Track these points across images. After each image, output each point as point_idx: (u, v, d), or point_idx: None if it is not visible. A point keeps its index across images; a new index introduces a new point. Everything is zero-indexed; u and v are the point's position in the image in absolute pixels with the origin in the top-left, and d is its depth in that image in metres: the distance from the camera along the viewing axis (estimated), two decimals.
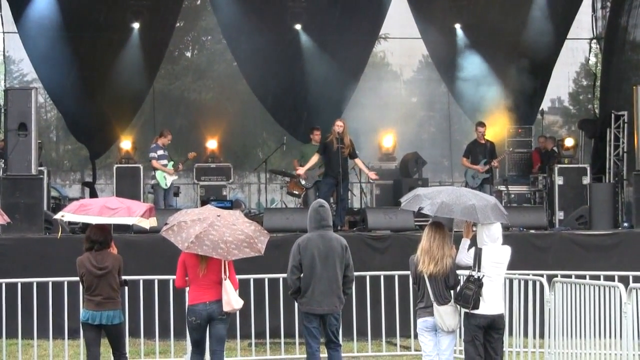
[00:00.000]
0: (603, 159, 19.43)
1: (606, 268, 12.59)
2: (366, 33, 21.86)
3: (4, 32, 22.27)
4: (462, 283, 8.82)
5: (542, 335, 11.27)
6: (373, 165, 18.97)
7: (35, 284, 11.76)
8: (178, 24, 23.82)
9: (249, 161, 27.61)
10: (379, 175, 18.98)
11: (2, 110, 15.74)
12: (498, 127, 20.18)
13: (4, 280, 11.84)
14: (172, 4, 21.50)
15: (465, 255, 8.77)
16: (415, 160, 19.10)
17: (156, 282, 11.85)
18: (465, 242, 8.84)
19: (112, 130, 20.96)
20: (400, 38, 24.21)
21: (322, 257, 9.36)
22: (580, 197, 17.48)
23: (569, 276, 11.37)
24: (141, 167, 18.18)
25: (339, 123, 15.85)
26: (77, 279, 9.62)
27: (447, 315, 8.66)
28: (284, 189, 20.04)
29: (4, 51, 23.01)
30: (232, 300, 9.02)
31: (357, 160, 16.44)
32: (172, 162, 17.56)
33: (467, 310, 8.64)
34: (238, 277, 9.37)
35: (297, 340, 11.98)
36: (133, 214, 9.55)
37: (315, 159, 16.23)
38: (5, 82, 23.04)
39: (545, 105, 23.55)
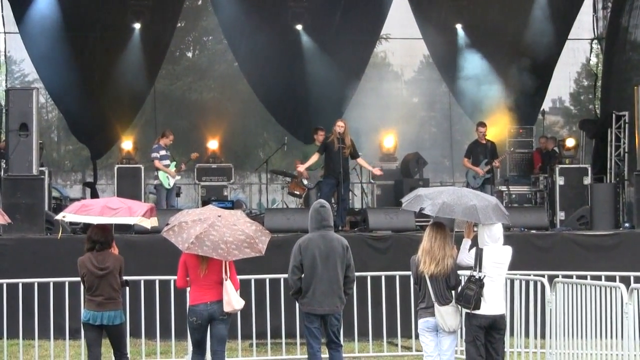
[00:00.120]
0: (604, 159, 19.42)
1: (607, 268, 12.57)
2: (367, 33, 21.88)
3: (5, 32, 22.31)
4: (463, 283, 8.82)
5: (543, 336, 11.27)
6: (374, 166, 18.95)
7: (36, 284, 11.75)
8: (179, 24, 23.82)
9: (250, 161, 27.63)
10: (380, 177, 19.02)
11: (3, 111, 15.74)
12: (499, 128, 20.17)
13: (5, 281, 11.85)
14: (173, 4, 21.52)
15: (466, 256, 8.76)
16: (416, 160, 19.09)
17: (157, 282, 11.85)
18: (467, 242, 8.83)
19: (113, 131, 20.96)
20: (401, 38, 24.22)
21: (323, 258, 9.36)
22: (581, 198, 17.48)
23: (570, 276, 11.37)
24: (142, 168, 18.19)
25: (339, 123, 15.85)
26: (78, 279, 9.62)
27: (448, 315, 8.66)
28: (285, 189, 20.03)
29: (5, 51, 23.05)
30: (233, 300, 9.02)
31: (360, 160, 16.45)
32: (174, 162, 17.57)
33: (468, 311, 8.63)
34: (239, 277, 9.36)
35: (298, 340, 11.98)
36: (134, 214, 9.55)
37: (315, 158, 16.23)
38: (6, 82, 23.05)
39: (546, 105, 23.57)
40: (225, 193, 19.68)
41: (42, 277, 11.91)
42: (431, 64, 23.96)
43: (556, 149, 20.07)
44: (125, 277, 9.61)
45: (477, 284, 8.57)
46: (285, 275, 9.92)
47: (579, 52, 23.99)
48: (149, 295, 11.82)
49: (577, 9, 21.90)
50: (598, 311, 10.16)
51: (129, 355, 9.88)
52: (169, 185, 17.35)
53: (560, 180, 17.89)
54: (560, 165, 18.20)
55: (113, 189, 18.80)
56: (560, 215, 17.60)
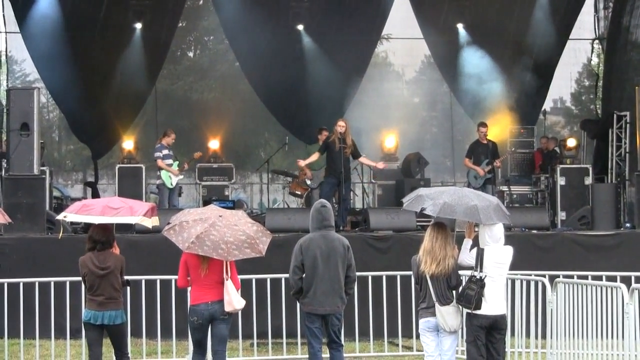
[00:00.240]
0: (605, 159, 19.43)
1: (608, 268, 12.57)
2: (368, 33, 21.87)
3: (6, 32, 22.30)
4: (464, 283, 8.82)
5: (544, 336, 11.26)
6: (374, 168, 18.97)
7: (37, 284, 11.76)
8: (180, 24, 23.82)
9: (251, 161, 27.65)
10: (381, 176, 19.06)
11: (5, 110, 15.74)
12: (500, 128, 20.15)
13: (5, 280, 11.86)
14: (174, 4, 21.51)
15: (467, 256, 8.76)
16: (418, 160, 19.08)
17: (158, 282, 11.85)
18: (468, 242, 8.84)
19: (114, 130, 20.97)
20: (403, 38, 24.19)
21: (324, 257, 9.36)
22: (582, 198, 17.48)
23: (571, 276, 11.37)
24: (143, 167, 18.21)
25: (341, 123, 15.85)
26: (79, 278, 9.62)
27: (449, 315, 8.66)
28: (286, 189, 20.05)
29: (6, 51, 23.03)
30: (233, 300, 9.02)
31: (362, 158, 16.46)
32: (177, 162, 17.57)
33: (469, 311, 8.64)
34: (240, 277, 9.37)
35: (299, 340, 11.97)
36: (135, 213, 9.56)
37: (315, 156, 16.26)
38: (7, 82, 23.04)
39: (547, 105, 23.56)
40: (227, 193, 19.68)
41: (43, 276, 11.92)
42: (432, 64, 23.96)
43: (557, 149, 20.06)
44: (126, 277, 9.61)
45: (478, 284, 8.57)
46: (286, 275, 9.93)
47: (580, 52, 23.97)
48: (150, 295, 11.83)
49: (578, 9, 21.89)
50: (599, 311, 10.16)
51: (130, 355, 9.86)
52: (171, 184, 17.35)
53: (561, 181, 17.88)
54: (562, 166, 18.19)
55: (114, 188, 18.82)
56: (561, 215, 17.60)
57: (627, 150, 18.64)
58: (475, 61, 20.70)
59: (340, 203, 15.88)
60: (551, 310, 10.82)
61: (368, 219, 15.17)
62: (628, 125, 18.57)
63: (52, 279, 11.76)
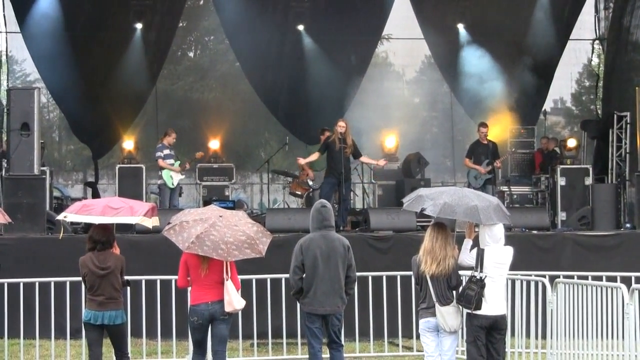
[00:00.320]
0: (605, 159, 19.44)
1: (608, 269, 12.58)
2: (369, 33, 21.87)
3: (6, 32, 22.29)
4: (464, 283, 8.82)
5: (544, 336, 11.26)
6: (375, 166, 18.96)
7: (37, 284, 11.77)
8: (181, 24, 23.81)
9: (252, 161, 27.64)
10: (381, 177, 19.07)
11: (5, 110, 15.74)
12: (500, 128, 20.15)
13: (5, 280, 11.85)
14: (174, 4, 21.52)
15: (467, 256, 8.76)
16: (418, 160, 19.09)
17: (158, 282, 11.86)
18: (468, 242, 8.84)
19: (115, 131, 20.98)
20: (403, 38, 24.18)
21: (325, 258, 9.36)
22: (582, 198, 17.48)
23: (571, 277, 11.37)
24: (144, 167, 18.20)
25: (341, 123, 15.85)
26: (80, 279, 9.62)
27: (449, 315, 8.66)
28: (286, 189, 20.05)
29: (6, 51, 23.02)
30: (234, 300, 9.02)
31: (363, 158, 16.47)
32: (178, 162, 17.55)
33: (469, 311, 8.64)
34: (240, 277, 9.37)
35: (299, 340, 11.97)
36: (136, 213, 9.56)
37: (315, 156, 16.31)
38: (8, 82, 23.04)
39: (547, 105, 23.55)
40: (227, 193, 19.68)
41: (43, 276, 11.92)
42: (433, 64, 23.96)
43: (557, 149, 20.06)
44: (126, 277, 9.61)
45: (478, 284, 8.57)
46: (287, 275, 9.93)
47: (581, 52, 23.97)
48: (150, 295, 11.83)
49: (578, 9, 21.89)
50: (599, 311, 10.16)
51: (130, 355, 9.86)
52: (172, 184, 17.35)
53: (561, 181, 17.88)
54: (562, 166, 18.18)
55: (114, 188, 18.82)
56: (562, 215, 17.60)
57: (628, 150, 18.64)
58: (475, 61, 20.70)
59: (341, 203, 15.88)
60: (551, 310, 10.82)
61: (368, 219, 15.17)
62: (628, 125, 18.58)
63: (52, 279, 11.76)
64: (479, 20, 21.30)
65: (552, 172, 18.50)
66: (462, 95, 21.76)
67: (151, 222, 9.72)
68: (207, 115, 24.09)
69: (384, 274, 12.54)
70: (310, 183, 17.99)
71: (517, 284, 11.45)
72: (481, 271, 8.62)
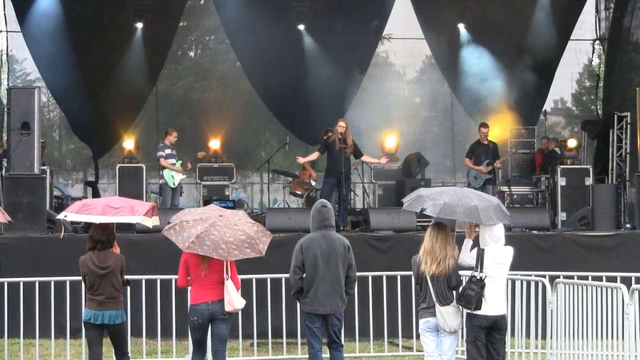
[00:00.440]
0: (606, 160, 19.44)
1: (608, 269, 12.56)
2: (369, 33, 21.89)
3: (7, 32, 22.30)
4: (464, 283, 8.82)
5: (544, 336, 11.26)
6: (376, 166, 18.98)
7: (37, 283, 11.76)
8: (181, 24, 23.82)
9: (252, 161, 27.66)
10: (381, 176, 19.06)
11: (5, 110, 15.74)
12: (501, 128, 20.15)
13: (5, 280, 11.85)
14: (175, 4, 21.53)
15: (467, 256, 8.76)
16: (418, 160, 19.08)
17: (158, 281, 11.85)
18: (468, 242, 8.84)
19: (115, 130, 20.99)
20: (404, 38, 24.20)
21: (325, 257, 9.35)
22: (582, 198, 17.48)
23: (571, 277, 11.37)
24: (144, 167, 18.20)
25: (341, 123, 15.85)
26: (80, 278, 9.62)
27: (449, 315, 8.66)
28: (286, 188, 20.05)
29: (7, 50, 23.03)
30: (234, 300, 9.02)
31: (364, 157, 16.46)
32: (180, 161, 17.54)
33: (469, 311, 8.64)
34: (240, 277, 9.37)
35: (299, 340, 11.96)
36: (136, 212, 9.56)
37: (315, 155, 16.34)
38: (8, 81, 23.05)
39: (548, 106, 23.58)
40: (227, 193, 19.67)
41: (43, 276, 11.91)
42: (433, 64, 23.97)
43: (557, 149, 20.06)
44: (126, 277, 9.61)
45: (478, 285, 8.57)
46: (287, 275, 9.92)
47: (581, 52, 23.99)
48: (150, 295, 11.82)
49: (579, 9, 21.89)
50: (599, 312, 10.16)
51: (130, 355, 9.86)
52: (173, 184, 17.33)
53: (561, 181, 17.88)
54: (562, 166, 18.18)
55: (115, 188, 18.82)
56: (562, 215, 17.60)
57: (628, 151, 18.64)
58: (475, 61, 20.71)
59: (341, 203, 15.88)
60: (551, 310, 10.82)
61: (368, 219, 15.17)
62: (629, 126, 18.58)
63: (52, 279, 11.75)
64: (479, 20, 21.31)
65: (552, 173, 18.50)
66: (462, 95, 21.77)
67: (151, 222, 9.73)
68: (208, 114, 24.11)
69: (384, 273, 12.54)
70: (313, 183, 17.99)
71: (517, 284, 11.45)
72: (481, 271, 8.62)
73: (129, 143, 19.99)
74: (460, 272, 8.95)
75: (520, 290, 11.45)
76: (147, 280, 11.85)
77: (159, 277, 11.83)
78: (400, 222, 14.86)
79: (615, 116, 19.07)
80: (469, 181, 17.74)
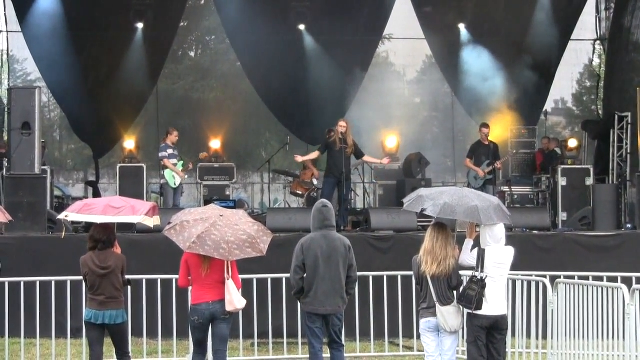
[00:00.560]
0: (606, 160, 19.44)
1: (609, 269, 12.57)
2: (370, 33, 21.89)
3: (7, 32, 22.31)
4: (465, 284, 8.82)
5: (544, 336, 11.26)
6: (377, 166, 18.99)
7: (38, 283, 11.76)
8: (182, 24, 23.83)
9: (252, 161, 27.66)
10: (382, 176, 19.06)
11: (6, 110, 15.74)
12: (502, 128, 20.17)
13: (6, 279, 11.84)
14: (176, 4, 21.53)
15: (468, 256, 8.77)
16: (419, 160, 19.09)
17: (159, 281, 11.85)
18: (469, 242, 8.84)
19: (116, 130, 20.98)
20: (404, 38, 24.20)
21: (326, 258, 9.35)
22: (583, 198, 17.48)
23: (572, 277, 11.37)
24: (144, 167, 18.20)
25: (342, 123, 15.86)
26: (80, 278, 9.62)
27: (449, 315, 8.67)
28: (287, 188, 20.06)
29: (7, 50, 23.03)
30: (234, 300, 9.02)
31: (366, 157, 16.46)
32: (182, 162, 17.53)
33: (470, 311, 8.64)
34: (241, 276, 9.37)
35: (299, 340, 11.96)
36: (137, 212, 9.56)
37: (314, 155, 16.38)
38: (9, 81, 23.05)
39: (548, 106, 23.59)
40: (228, 192, 19.68)
41: (44, 275, 11.92)
42: (434, 64, 23.98)
43: (558, 149, 20.06)
44: (127, 276, 9.61)
45: (479, 285, 8.57)
46: (287, 275, 9.92)
47: (582, 52, 23.99)
48: (151, 295, 11.83)
49: (579, 10, 21.89)
50: (600, 312, 10.16)
51: (130, 354, 9.86)
52: (175, 184, 17.31)
53: (562, 181, 17.88)
54: (563, 166, 18.18)
55: (115, 188, 18.81)
56: (563, 216, 17.60)
57: (629, 151, 18.65)
58: (476, 61, 20.71)
59: (341, 203, 15.87)
60: (552, 310, 10.82)
61: (369, 219, 15.17)
62: (629, 126, 18.58)
63: (53, 278, 11.75)
64: (480, 20, 21.32)
65: (553, 173, 18.51)
66: (463, 95, 21.78)
67: (152, 222, 9.73)
68: (208, 114, 24.12)
69: (385, 273, 12.54)
70: (315, 182, 17.99)
71: (518, 284, 11.45)
72: (482, 271, 8.62)
73: (129, 143, 19.99)
74: (461, 272, 8.96)
75: (521, 291, 11.45)
76: (147, 280, 11.85)
77: (159, 277, 11.83)
78: (400, 222, 14.86)
79: (616, 116, 19.07)
80: (469, 181, 17.73)
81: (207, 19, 27.88)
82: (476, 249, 8.73)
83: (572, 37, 22.33)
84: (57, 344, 11.78)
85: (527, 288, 11.48)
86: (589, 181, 17.90)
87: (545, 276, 11.41)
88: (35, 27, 20.00)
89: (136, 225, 13.50)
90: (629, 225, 16.11)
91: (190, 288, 9.45)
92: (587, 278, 11.38)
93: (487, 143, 17.70)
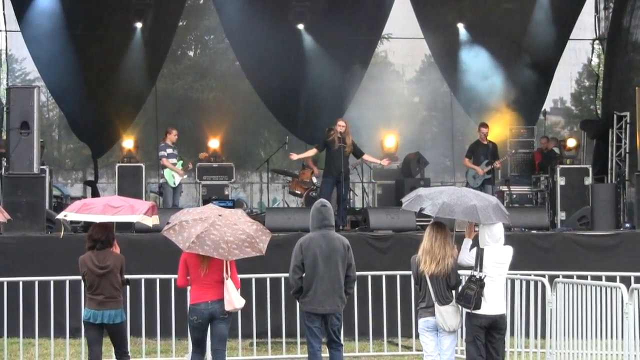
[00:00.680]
0: (605, 159, 19.44)
1: (608, 268, 12.57)
2: (369, 33, 21.89)
3: (6, 31, 22.30)
4: (463, 283, 8.82)
5: (543, 336, 11.27)
6: (375, 166, 18.99)
7: (36, 283, 11.76)
8: (181, 23, 23.82)
9: (251, 160, 27.68)
10: (381, 176, 19.06)
11: (5, 109, 15.74)
12: (500, 128, 20.18)
13: (5, 279, 11.86)
14: (174, 4, 21.53)
15: (467, 256, 8.76)
16: (418, 160, 19.08)
17: (158, 281, 11.85)
18: (468, 242, 8.83)
19: (114, 129, 20.97)
20: (403, 38, 24.21)
21: (324, 257, 9.35)
22: (582, 198, 17.48)
23: (571, 276, 11.37)
24: (143, 166, 18.20)
25: (341, 123, 15.86)
26: (79, 277, 9.61)
27: (448, 315, 8.66)
28: (285, 188, 20.06)
29: (6, 50, 23.03)
30: (233, 299, 9.01)
31: (365, 156, 16.46)
32: (181, 162, 17.52)
33: (468, 311, 8.64)
34: (240, 276, 9.36)
35: (298, 339, 11.97)
36: (136, 211, 9.55)
37: (312, 152, 16.38)
38: (7, 81, 23.05)
39: (547, 105, 23.59)
40: (226, 192, 19.66)
41: (42, 275, 11.91)
42: (433, 64, 23.97)
43: (556, 149, 20.06)
44: (126, 276, 9.61)
45: (478, 284, 8.57)
46: (286, 275, 9.92)
47: (581, 52, 23.99)
48: (150, 294, 11.83)
49: (578, 9, 21.89)
50: (598, 311, 10.17)
51: (129, 354, 9.86)
52: (174, 183, 17.30)
53: (561, 181, 17.88)
54: (561, 166, 18.18)
55: (114, 187, 18.82)
56: (561, 215, 17.60)
57: (627, 150, 18.64)
58: (475, 61, 20.71)
59: (340, 202, 15.88)
60: (550, 310, 10.82)
61: (368, 219, 15.17)
62: (628, 125, 18.57)
63: (52, 278, 11.74)
64: (479, 20, 21.31)
65: (551, 172, 18.51)
66: (462, 95, 21.79)
67: (151, 221, 9.72)
68: (207, 114, 24.13)
69: (384, 273, 12.54)
70: (315, 180, 17.98)
71: (517, 283, 11.45)
72: (481, 271, 8.62)
73: (128, 142, 19.97)
74: (460, 272, 8.95)
75: (519, 290, 11.45)
76: (146, 280, 11.85)
77: (158, 276, 11.84)
78: (399, 221, 14.86)
79: (615, 116, 19.07)
80: (468, 181, 17.74)
81: (206, 19, 27.92)
82: (475, 249, 8.73)
83: (571, 36, 22.33)
84: (55, 343, 11.77)
85: (526, 287, 11.49)
86: (588, 181, 17.90)
87: (544, 275, 11.42)
88: (34, 27, 19.99)
89: (135, 225, 13.49)
90: (627, 225, 16.11)
91: (189, 288, 9.45)
92: (585, 277, 11.39)
93: (485, 143, 17.71)
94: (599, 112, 22.99)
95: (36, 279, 11.79)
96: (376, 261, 13.77)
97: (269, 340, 12.30)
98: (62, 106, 22.27)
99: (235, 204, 18.79)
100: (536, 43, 21.08)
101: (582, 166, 18.63)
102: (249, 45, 21.08)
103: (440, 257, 8.66)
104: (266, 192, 21.65)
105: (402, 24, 22.67)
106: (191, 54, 30.65)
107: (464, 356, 9.01)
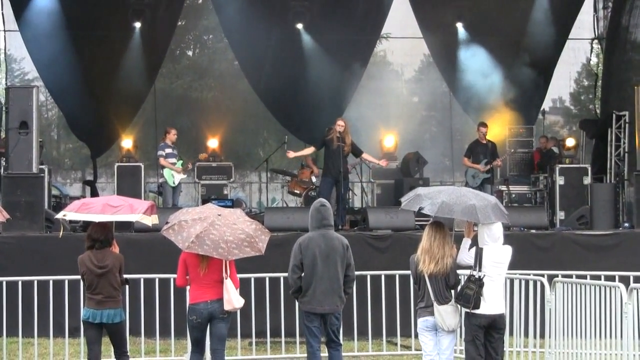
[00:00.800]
0: (604, 159, 19.42)
1: (607, 268, 12.57)
2: (368, 32, 21.88)
3: (5, 31, 22.30)
4: (462, 283, 8.82)
5: (542, 335, 11.27)
6: (374, 165, 18.99)
7: (36, 283, 11.75)
8: (179, 23, 23.83)
9: (250, 160, 27.69)
10: (380, 176, 19.06)
11: (4, 109, 15.74)
12: (499, 127, 20.19)
13: (4, 279, 11.85)
14: (173, 3, 21.51)
15: (466, 255, 8.76)
16: (417, 159, 19.08)
17: (157, 280, 11.86)
18: (467, 241, 8.83)
19: (113, 129, 20.96)
20: (402, 37, 24.22)
21: (324, 257, 9.35)
22: (581, 197, 17.48)
23: (570, 276, 11.37)
24: (142, 166, 18.17)
25: (340, 123, 15.85)
26: (78, 277, 9.62)
27: (447, 314, 8.66)
28: (284, 188, 20.05)
29: (5, 49, 23.03)
30: (233, 299, 9.01)
31: (364, 155, 16.45)
32: (180, 161, 17.52)
33: (467, 310, 8.64)
34: (239, 276, 9.36)
35: (297, 339, 11.97)
36: (135, 211, 9.54)
37: (309, 150, 16.41)
38: (6, 81, 23.06)
39: (546, 105, 23.59)
40: (225, 192, 19.66)
41: (41, 275, 11.90)
42: (431, 63, 23.99)
43: (555, 148, 20.06)
44: (125, 276, 9.61)
45: (477, 284, 8.57)
46: (285, 274, 9.91)
47: (580, 51, 24.00)
48: (149, 294, 11.82)
49: (577, 9, 21.90)
50: (597, 311, 10.16)
51: (128, 353, 9.86)
52: (173, 183, 17.31)
53: (560, 180, 17.88)
54: (560, 165, 18.18)
55: (113, 187, 18.80)
56: (560, 215, 17.60)
57: (626, 150, 18.63)
58: (474, 60, 20.72)
59: (339, 202, 15.88)
60: (549, 309, 10.82)
61: (367, 218, 15.17)
62: (627, 125, 18.56)
63: (51, 278, 11.74)
64: (477, 19, 21.31)
65: (550, 172, 18.52)
66: (461, 94, 21.78)
67: (150, 220, 9.71)
68: (206, 114, 24.14)
69: (383, 273, 12.54)
70: (314, 180, 17.97)
71: (516, 283, 11.45)
72: (480, 270, 8.62)
73: (127, 142, 19.96)
74: (459, 271, 8.95)
75: (518, 290, 11.45)
76: (145, 280, 11.84)
77: (157, 276, 11.84)
78: (398, 221, 14.86)
79: (614, 115, 19.05)
80: (467, 180, 17.75)
81: (205, 18, 27.92)
82: (474, 248, 8.73)
83: (570, 36, 22.34)
84: (55, 343, 11.77)
85: (525, 287, 11.49)
86: (587, 180, 17.90)
87: (542, 275, 11.42)
88: (33, 26, 19.98)
89: (134, 225, 13.49)
90: (626, 224, 16.11)
91: (188, 287, 9.45)
92: (584, 277, 11.39)
93: (484, 142, 17.72)
94: (597, 111, 23.01)
95: (35, 278, 11.78)
96: (375, 261, 13.76)
97: (268, 340, 12.29)
98: (61, 106, 22.26)
99: (235, 203, 18.79)
100: (535, 42, 21.09)
101: (581, 166, 18.64)
102: (248, 45, 21.07)
103: (439, 257, 8.66)
104: (265, 191, 21.65)
105: (401, 23, 22.68)
106: (190, 53, 30.66)
107: (463, 356, 9.02)
